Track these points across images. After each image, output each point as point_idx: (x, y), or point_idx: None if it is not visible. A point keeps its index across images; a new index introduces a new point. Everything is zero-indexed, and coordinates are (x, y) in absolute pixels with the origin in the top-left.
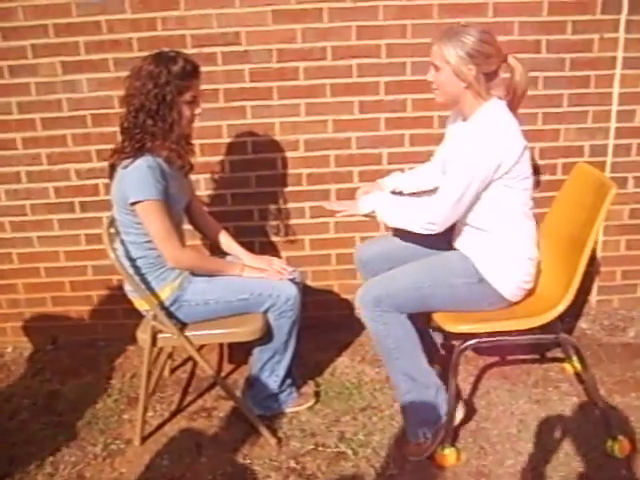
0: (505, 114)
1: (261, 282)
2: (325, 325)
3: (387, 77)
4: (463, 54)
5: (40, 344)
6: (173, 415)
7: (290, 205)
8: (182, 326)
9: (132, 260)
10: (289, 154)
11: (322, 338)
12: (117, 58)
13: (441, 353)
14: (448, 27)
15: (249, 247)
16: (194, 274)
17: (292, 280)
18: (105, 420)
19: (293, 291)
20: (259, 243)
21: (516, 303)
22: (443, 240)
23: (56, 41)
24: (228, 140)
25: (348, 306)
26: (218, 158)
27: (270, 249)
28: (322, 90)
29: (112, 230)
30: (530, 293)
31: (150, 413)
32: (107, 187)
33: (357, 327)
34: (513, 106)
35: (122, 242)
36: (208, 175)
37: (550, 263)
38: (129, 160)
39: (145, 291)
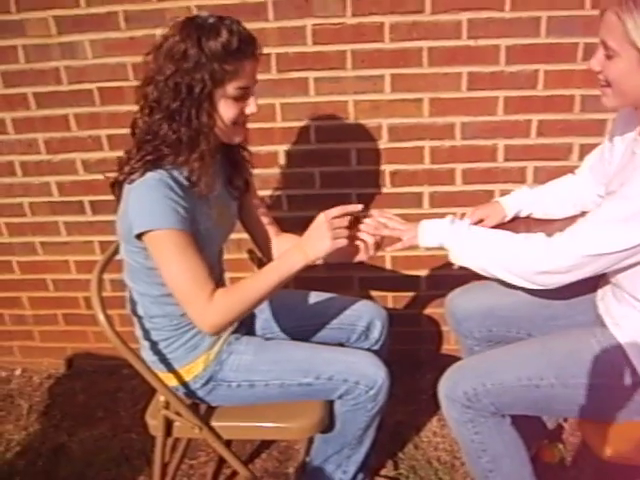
0: None
1: (334, 360)
2: (409, 364)
3: (511, 39)
4: None
5: (52, 368)
6: None
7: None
8: (208, 410)
9: (145, 319)
10: (367, 144)
11: (405, 383)
12: (129, 11)
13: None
14: None
15: (310, 267)
16: (238, 337)
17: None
18: None
19: (379, 377)
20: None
21: None
22: (575, 294)
23: None
24: (283, 124)
25: (439, 340)
26: (270, 149)
27: (337, 269)
28: (416, 56)
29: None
30: None
31: None
32: None
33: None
34: None
35: (131, 293)
36: (256, 171)
37: None
38: (137, 173)
39: (162, 366)
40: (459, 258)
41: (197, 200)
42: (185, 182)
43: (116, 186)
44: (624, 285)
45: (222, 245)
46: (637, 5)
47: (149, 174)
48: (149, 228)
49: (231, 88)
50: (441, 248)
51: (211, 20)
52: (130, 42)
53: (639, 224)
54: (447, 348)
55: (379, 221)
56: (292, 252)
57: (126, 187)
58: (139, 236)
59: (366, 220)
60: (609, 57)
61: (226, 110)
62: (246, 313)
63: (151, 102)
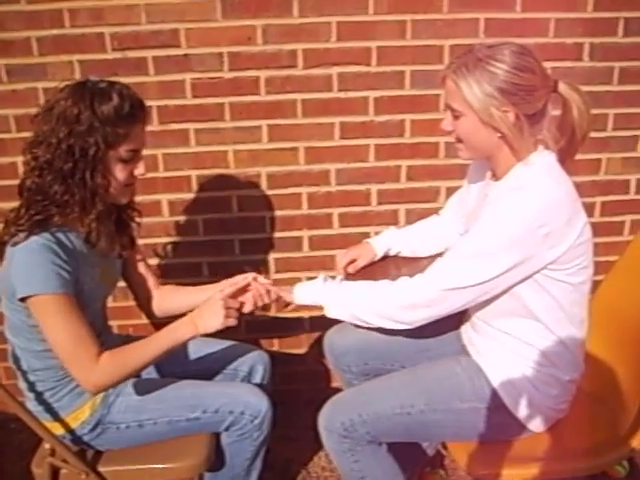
0: (557, 176)
1: (219, 394)
2: (297, 403)
3: (378, 91)
4: (493, 91)
5: None
6: None
7: (250, 257)
8: (96, 456)
9: (28, 372)
10: (247, 192)
11: (293, 421)
12: (11, 65)
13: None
14: (465, 50)
15: None
16: None
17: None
18: None
19: (263, 406)
20: None
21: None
22: (442, 328)
23: None
24: (165, 174)
25: (324, 378)
26: (153, 198)
27: None
28: (291, 108)
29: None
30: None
31: None
32: None
33: None
34: (567, 155)
35: (13, 347)
36: (140, 220)
37: (610, 359)
38: (23, 235)
39: (47, 415)
40: (333, 312)
41: (81, 261)
42: (69, 244)
43: (1, 245)
44: (482, 316)
45: (106, 300)
46: (469, 70)
47: (33, 238)
48: (32, 293)
49: (122, 150)
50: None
51: (102, 85)
52: (12, 95)
53: (488, 260)
54: (334, 386)
55: (262, 287)
56: (183, 324)
57: (9, 249)
58: (22, 299)
59: (252, 287)
60: (456, 117)
61: (117, 172)
62: (131, 376)
63: (42, 163)
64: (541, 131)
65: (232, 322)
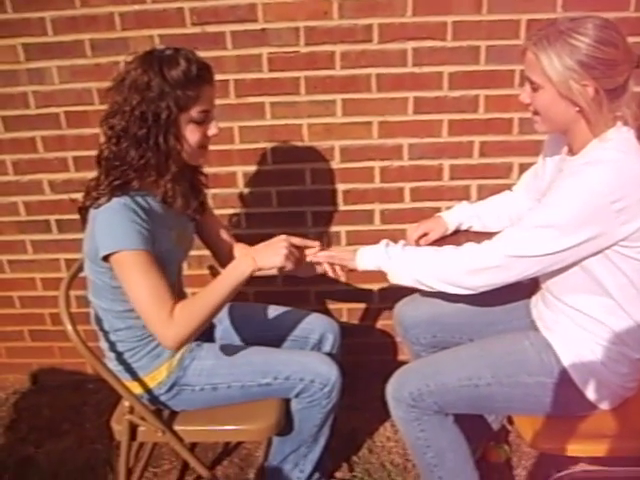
0: (633, 152)
1: (290, 361)
2: (364, 374)
3: (453, 66)
4: (574, 64)
5: (18, 383)
6: None
7: (321, 229)
8: (171, 415)
9: (110, 333)
10: (320, 165)
11: (360, 392)
12: (95, 39)
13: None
14: (547, 22)
15: (267, 279)
16: (200, 344)
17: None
18: None
19: (332, 375)
20: (281, 277)
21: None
22: (511, 300)
23: (15, 17)
24: (241, 146)
25: (391, 350)
26: (229, 169)
27: (294, 283)
28: (365, 82)
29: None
30: None
31: None
32: None
33: None
34: None
35: (95, 310)
36: (216, 191)
37: None
38: (104, 198)
39: (127, 375)
40: (395, 277)
41: (158, 223)
42: (147, 206)
43: (83, 211)
44: (554, 291)
45: (181, 264)
46: (550, 43)
47: (115, 199)
48: (115, 250)
49: (195, 112)
50: (379, 271)
51: (168, 52)
52: (95, 68)
53: (557, 233)
54: (400, 358)
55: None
56: (242, 259)
57: (92, 211)
58: (105, 258)
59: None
60: (535, 90)
61: (192, 134)
62: (206, 323)
63: (118, 132)
64: (620, 107)
65: (289, 266)
